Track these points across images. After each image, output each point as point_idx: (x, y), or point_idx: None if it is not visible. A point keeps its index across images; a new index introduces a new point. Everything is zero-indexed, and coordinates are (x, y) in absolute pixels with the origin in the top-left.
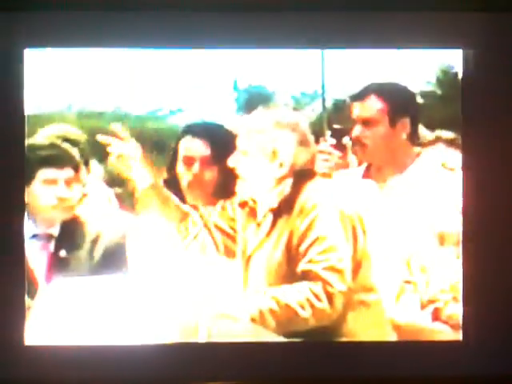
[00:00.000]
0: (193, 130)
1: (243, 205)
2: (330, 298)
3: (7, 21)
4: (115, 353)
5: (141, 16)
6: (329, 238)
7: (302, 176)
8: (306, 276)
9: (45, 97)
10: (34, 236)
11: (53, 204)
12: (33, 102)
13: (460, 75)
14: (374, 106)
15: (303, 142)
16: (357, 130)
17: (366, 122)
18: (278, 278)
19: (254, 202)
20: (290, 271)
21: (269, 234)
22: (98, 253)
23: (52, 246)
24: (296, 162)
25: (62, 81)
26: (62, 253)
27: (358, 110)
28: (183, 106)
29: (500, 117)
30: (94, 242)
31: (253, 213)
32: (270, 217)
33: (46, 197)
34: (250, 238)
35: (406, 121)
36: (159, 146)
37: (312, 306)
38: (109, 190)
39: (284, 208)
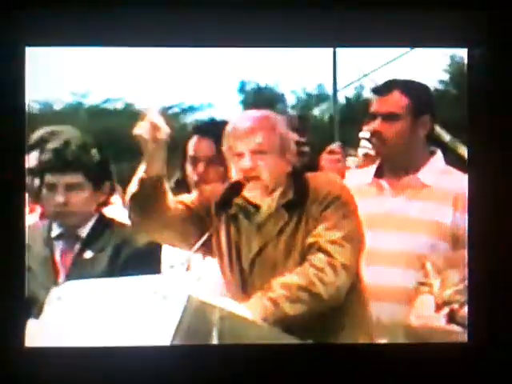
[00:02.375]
0: (199, 130)
1: (242, 210)
2: (333, 268)
3: (8, 17)
4: (121, 355)
5: (150, 13)
6: (339, 216)
7: (304, 168)
8: (311, 248)
9: (54, 96)
10: (59, 237)
11: (55, 208)
12: (37, 101)
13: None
14: (398, 101)
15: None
16: (377, 124)
17: (389, 117)
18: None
19: (258, 206)
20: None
21: (282, 229)
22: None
23: (77, 247)
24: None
25: (71, 78)
26: (88, 254)
27: (380, 105)
28: (193, 105)
29: (506, 116)
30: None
31: (252, 217)
32: (283, 212)
33: (50, 201)
34: (247, 243)
35: (427, 119)
36: (170, 146)
37: (320, 279)
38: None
39: (297, 200)
